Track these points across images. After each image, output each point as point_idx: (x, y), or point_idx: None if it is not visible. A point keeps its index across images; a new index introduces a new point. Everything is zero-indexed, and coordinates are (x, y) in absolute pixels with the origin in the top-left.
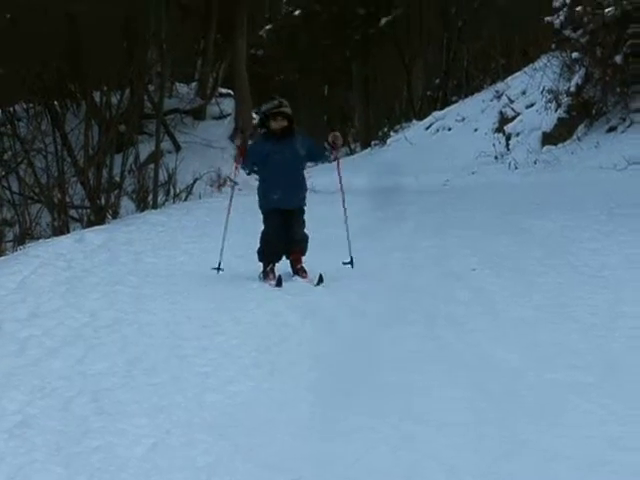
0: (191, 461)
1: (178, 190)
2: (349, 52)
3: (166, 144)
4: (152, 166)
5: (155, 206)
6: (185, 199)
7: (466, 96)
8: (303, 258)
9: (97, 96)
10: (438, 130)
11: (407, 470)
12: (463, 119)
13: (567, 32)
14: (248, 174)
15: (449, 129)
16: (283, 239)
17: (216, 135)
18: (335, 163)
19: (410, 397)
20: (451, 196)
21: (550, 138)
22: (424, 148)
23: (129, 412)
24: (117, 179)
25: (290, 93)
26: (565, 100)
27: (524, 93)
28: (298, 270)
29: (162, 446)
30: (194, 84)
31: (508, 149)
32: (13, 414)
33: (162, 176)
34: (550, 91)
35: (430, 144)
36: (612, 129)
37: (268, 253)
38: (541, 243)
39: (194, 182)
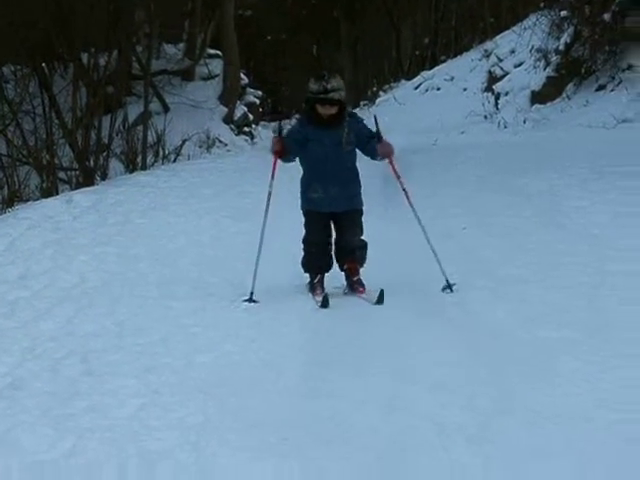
0: (180, 421)
1: (167, 151)
2: (337, 12)
3: (154, 105)
4: (141, 127)
5: (144, 167)
6: (174, 160)
7: (455, 55)
8: (361, 269)
9: (85, 58)
10: (427, 90)
11: (397, 429)
12: (452, 78)
13: None
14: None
15: (438, 89)
16: (328, 247)
17: (205, 96)
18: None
19: (400, 357)
20: (441, 155)
21: (539, 97)
22: (413, 108)
23: (118, 373)
24: (105, 141)
25: (278, 53)
26: (554, 59)
27: (513, 52)
28: (354, 283)
29: (151, 406)
30: (182, 45)
31: (497, 108)
32: (2, 376)
33: (151, 137)
34: (539, 50)
35: (419, 104)
36: (601, 87)
37: (312, 264)
38: (531, 202)
39: (183, 143)
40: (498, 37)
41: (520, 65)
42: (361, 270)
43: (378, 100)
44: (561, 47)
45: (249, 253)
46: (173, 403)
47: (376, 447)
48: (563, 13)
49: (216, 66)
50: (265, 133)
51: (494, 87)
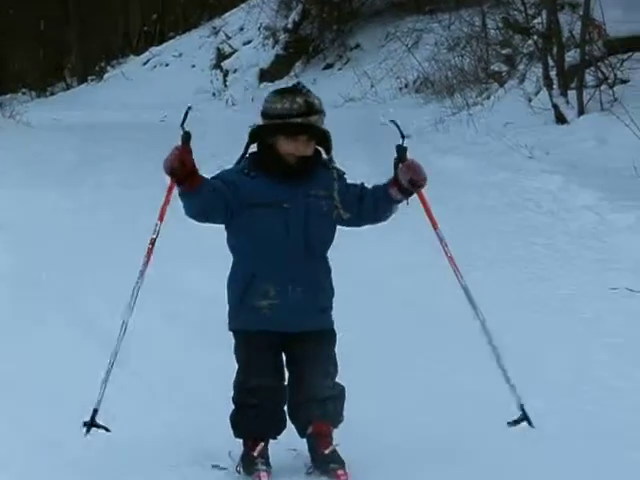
0: None
1: None
2: None
3: None
4: None
5: None
6: None
7: (184, 32)
8: (335, 431)
9: None
10: (155, 66)
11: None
12: (180, 55)
13: None
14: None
15: (167, 65)
16: (281, 395)
17: None
18: None
19: None
20: (168, 133)
21: (267, 75)
22: (141, 84)
23: None
24: None
25: (6, 28)
26: (282, 37)
27: (242, 30)
28: (325, 459)
29: None
30: None
31: (226, 86)
32: None
33: None
34: (267, 28)
35: (148, 80)
36: (329, 66)
37: (251, 424)
38: None
39: None
40: (227, 14)
41: (249, 43)
42: (335, 432)
43: (106, 76)
44: (290, 25)
45: None
46: None
47: None
48: None
49: None
50: None
51: (223, 64)
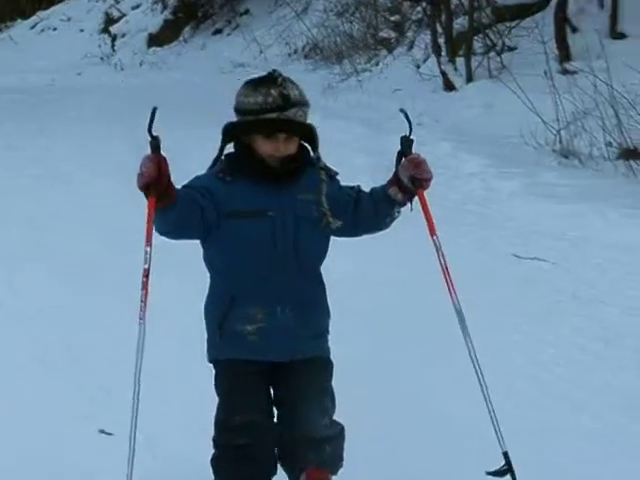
0: None
1: None
2: None
3: None
4: None
5: None
6: None
7: None
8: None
9: None
10: (43, 30)
11: None
12: (69, 19)
13: None
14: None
15: (54, 29)
16: (270, 434)
17: None
18: None
19: None
20: (55, 96)
21: (156, 39)
22: (29, 48)
23: None
24: None
25: None
26: (171, 2)
27: None
28: None
29: None
30: None
31: (114, 50)
32: None
33: None
34: None
35: (35, 44)
36: (218, 31)
37: (235, 470)
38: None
39: None
40: None
41: (137, 7)
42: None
43: None
44: None
45: None
46: None
47: None
48: None
49: None
50: None
51: (111, 29)
